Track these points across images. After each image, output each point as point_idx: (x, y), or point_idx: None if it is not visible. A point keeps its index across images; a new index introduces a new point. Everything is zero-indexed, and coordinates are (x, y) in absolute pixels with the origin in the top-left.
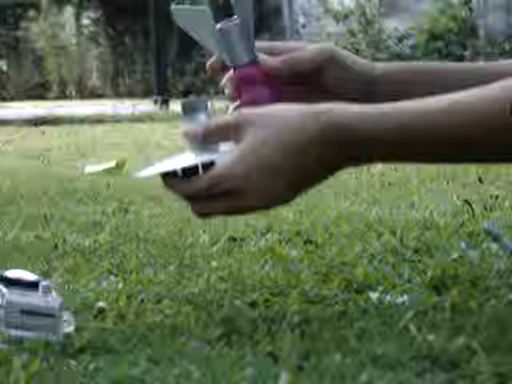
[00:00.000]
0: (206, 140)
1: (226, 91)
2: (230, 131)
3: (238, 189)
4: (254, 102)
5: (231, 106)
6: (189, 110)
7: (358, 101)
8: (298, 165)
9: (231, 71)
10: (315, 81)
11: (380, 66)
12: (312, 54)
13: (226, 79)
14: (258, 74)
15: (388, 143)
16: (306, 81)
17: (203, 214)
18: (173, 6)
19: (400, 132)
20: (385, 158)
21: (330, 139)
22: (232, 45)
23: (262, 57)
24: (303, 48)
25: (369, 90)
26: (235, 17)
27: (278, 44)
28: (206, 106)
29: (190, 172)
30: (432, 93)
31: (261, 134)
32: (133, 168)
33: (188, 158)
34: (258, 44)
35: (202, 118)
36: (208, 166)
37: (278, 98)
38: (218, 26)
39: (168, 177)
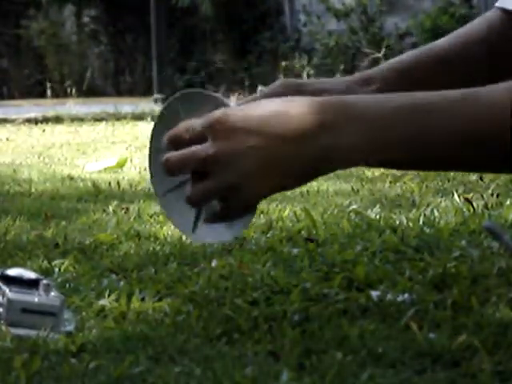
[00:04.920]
0: None
1: None
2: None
3: (235, 128)
4: None
5: None
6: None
7: None
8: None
9: None
10: None
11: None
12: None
13: None
14: None
15: (389, 127)
16: None
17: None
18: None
19: (404, 114)
20: (380, 153)
21: (328, 117)
22: None
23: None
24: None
25: None
26: None
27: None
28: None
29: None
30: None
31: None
32: (133, 167)
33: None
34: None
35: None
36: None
37: None
38: None
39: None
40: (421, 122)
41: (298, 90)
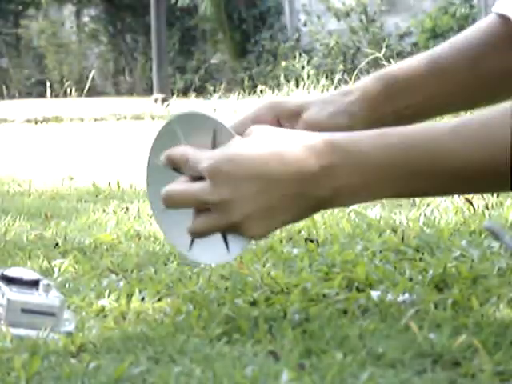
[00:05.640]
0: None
1: None
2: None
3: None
4: None
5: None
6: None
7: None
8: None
9: None
10: (297, 121)
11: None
12: (265, 115)
13: None
14: None
15: (389, 166)
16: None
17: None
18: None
19: (401, 150)
20: (385, 190)
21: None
22: None
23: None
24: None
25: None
26: None
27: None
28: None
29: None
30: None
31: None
32: (133, 167)
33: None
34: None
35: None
36: None
37: None
38: None
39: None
40: (414, 164)
41: (283, 109)
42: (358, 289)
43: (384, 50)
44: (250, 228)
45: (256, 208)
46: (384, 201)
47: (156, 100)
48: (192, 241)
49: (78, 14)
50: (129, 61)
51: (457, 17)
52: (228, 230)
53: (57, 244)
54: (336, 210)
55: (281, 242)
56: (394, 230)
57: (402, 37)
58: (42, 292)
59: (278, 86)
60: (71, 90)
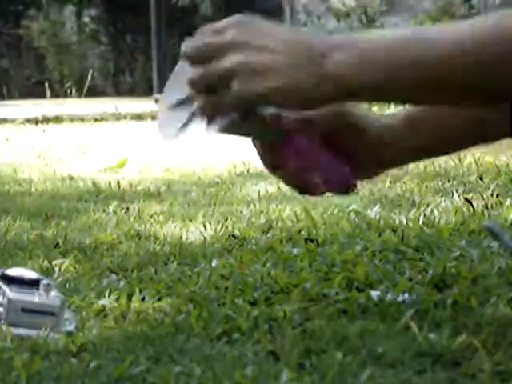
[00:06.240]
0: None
1: None
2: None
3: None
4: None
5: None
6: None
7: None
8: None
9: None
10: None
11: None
12: (328, 120)
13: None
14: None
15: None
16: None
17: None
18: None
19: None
20: None
21: None
22: None
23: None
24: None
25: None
26: None
27: None
28: None
29: None
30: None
31: None
32: (133, 167)
33: None
34: None
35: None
36: None
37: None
38: None
39: None
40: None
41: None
42: (357, 289)
43: None
44: (244, 81)
45: (259, 62)
46: (384, 200)
47: (156, 100)
48: (183, 126)
49: (78, 15)
50: (129, 61)
51: (456, 17)
52: (229, 77)
53: (57, 244)
54: (336, 209)
55: (281, 242)
56: (394, 230)
57: None
58: (42, 292)
59: None
60: (71, 90)
